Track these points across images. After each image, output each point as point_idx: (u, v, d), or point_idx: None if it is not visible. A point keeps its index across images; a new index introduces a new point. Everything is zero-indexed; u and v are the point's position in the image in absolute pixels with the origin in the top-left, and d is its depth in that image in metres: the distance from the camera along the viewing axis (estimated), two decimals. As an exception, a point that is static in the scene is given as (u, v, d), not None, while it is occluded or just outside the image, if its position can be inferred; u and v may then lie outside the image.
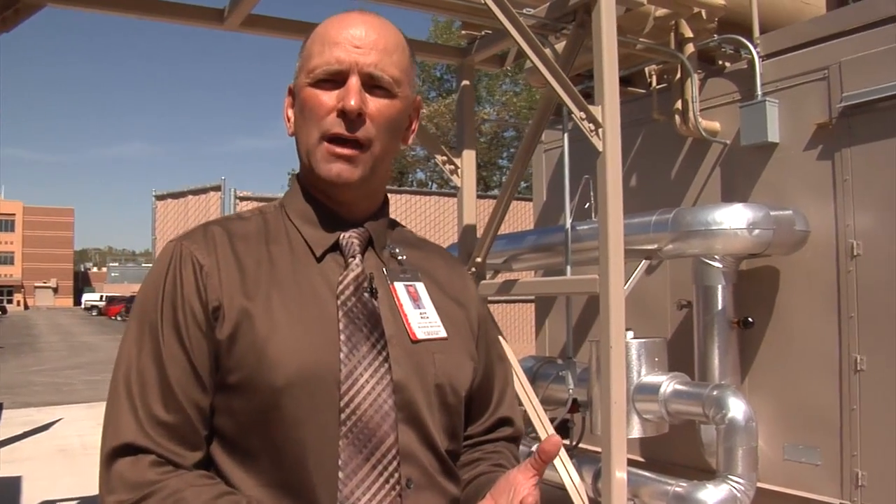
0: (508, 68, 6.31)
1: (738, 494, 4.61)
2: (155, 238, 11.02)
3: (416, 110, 1.52)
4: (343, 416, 1.29)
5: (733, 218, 4.80)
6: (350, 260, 1.41)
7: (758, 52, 5.34)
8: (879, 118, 4.71)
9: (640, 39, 5.52)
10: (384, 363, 1.34)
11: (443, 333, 1.45)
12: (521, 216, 11.51)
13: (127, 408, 1.30)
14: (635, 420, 4.99)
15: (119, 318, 56.11)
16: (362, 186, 1.42)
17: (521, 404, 4.84)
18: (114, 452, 1.28)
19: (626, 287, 4.44)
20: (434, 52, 6.80)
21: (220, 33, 5.44)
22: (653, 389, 4.96)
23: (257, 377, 1.29)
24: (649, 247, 5.06)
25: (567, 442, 5.54)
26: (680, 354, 5.41)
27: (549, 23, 4.92)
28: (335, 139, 1.37)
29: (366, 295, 1.39)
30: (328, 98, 1.38)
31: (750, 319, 5.14)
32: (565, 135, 5.61)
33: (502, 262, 6.26)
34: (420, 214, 11.43)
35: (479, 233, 5.64)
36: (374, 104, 1.38)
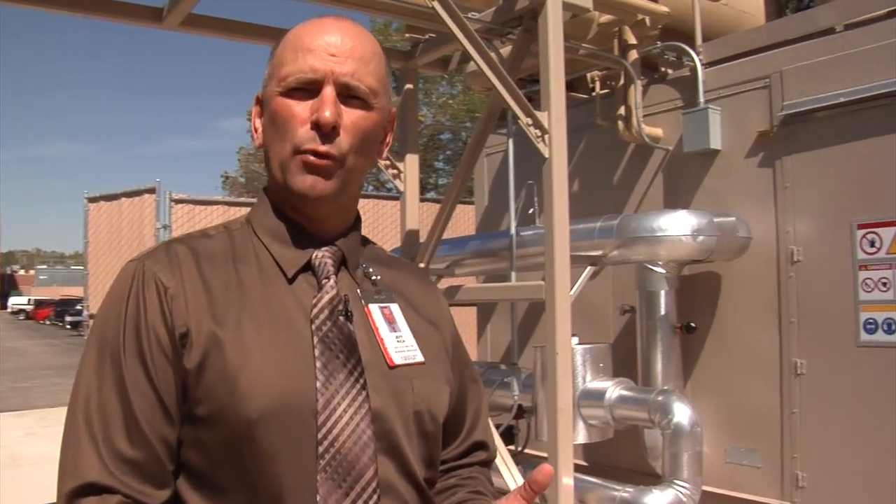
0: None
1: (684, 499, 4.64)
2: (87, 241, 10.72)
3: (391, 122, 1.44)
4: (321, 448, 1.22)
5: (678, 224, 4.84)
6: (324, 281, 1.34)
7: (700, 60, 5.40)
8: (819, 127, 4.79)
9: (584, 45, 5.54)
10: (362, 391, 1.27)
11: (420, 358, 1.38)
12: (462, 220, 11.49)
13: (88, 444, 1.20)
14: (581, 426, 5.00)
15: (48, 322, 54.73)
16: (335, 201, 1.35)
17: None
18: (75, 493, 1.19)
19: (571, 293, 4.44)
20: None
21: (155, 31, 5.28)
22: (598, 395, 4.97)
23: (229, 409, 1.20)
24: (594, 253, 5.08)
25: (512, 448, 5.53)
26: (623, 359, 5.44)
27: (495, 27, 4.89)
28: (308, 153, 1.29)
29: (341, 318, 1.31)
30: (301, 109, 1.30)
31: (692, 324, 5.19)
32: (510, 140, 5.61)
33: (445, 267, 6.24)
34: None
35: (421, 237, 5.60)
36: (350, 116, 1.31)
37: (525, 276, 5.58)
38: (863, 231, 4.59)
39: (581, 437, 5.02)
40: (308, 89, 1.31)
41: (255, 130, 1.41)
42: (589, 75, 6.30)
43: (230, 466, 1.21)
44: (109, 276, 10.52)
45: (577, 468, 4.92)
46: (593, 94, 6.26)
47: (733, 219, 5.01)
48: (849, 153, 4.67)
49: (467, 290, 5.34)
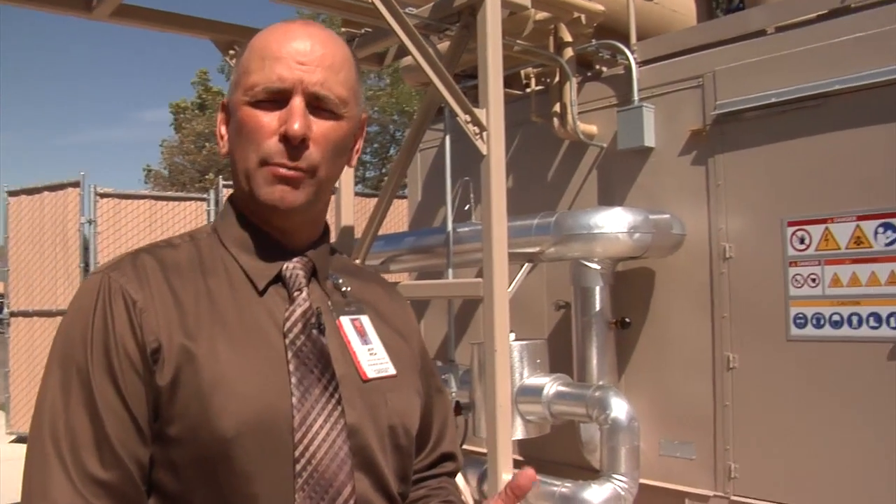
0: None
1: (622, 493, 4.71)
2: (7, 237, 10.43)
3: (362, 128, 1.42)
4: (298, 466, 1.20)
5: (614, 222, 4.89)
6: (296, 294, 1.31)
7: (635, 59, 5.46)
8: (750, 126, 4.89)
9: (520, 42, 5.55)
10: (337, 406, 1.25)
11: (392, 370, 1.37)
12: (392, 215, 11.46)
13: (57, 467, 1.15)
14: (518, 422, 5.03)
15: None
16: (306, 212, 1.32)
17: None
18: None
19: (509, 290, 4.46)
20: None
21: (70, 18, 5.01)
22: (536, 391, 5.00)
23: (203, 428, 1.17)
24: (531, 250, 5.11)
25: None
26: (558, 354, 5.48)
27: (433, 23, 4.88)
28: (276, 167, 1.26)
29: (314, 332, 1.29)
30: (269, 119, 1.26)
31: (627, 320, 5.25)
32: (447, 136, 5.60)
33: (380, 264, 6.21)
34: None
35: (357, 233, 5.58)
36: (319, 127, 1.28)
37: (460, 273, 5.59)
38: (793, 228, 4.70)
39: (519, 433, 5.06)
40: (276, 99, 1.27)
41: (221, 138, 1.37)
42: (524, 72, 6.33)
43: (204, 486, 1.18)
44: (31, 272, 10.26)
45: (516, 463, 4.95)
46: (527, 90, 6.29)
47: (668, 216, 5.08)
48: (779, 152, 4.77)
49: (405, 286, 5.33)
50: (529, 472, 1.22)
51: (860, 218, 4.46)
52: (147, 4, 4.86)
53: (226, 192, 10.56)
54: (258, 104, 1.27)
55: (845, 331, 4.50)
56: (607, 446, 4.80)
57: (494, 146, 4.38)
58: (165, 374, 1.19)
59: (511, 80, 6.53)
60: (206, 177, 22.31)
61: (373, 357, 1.35)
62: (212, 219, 10.25)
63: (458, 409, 5.41)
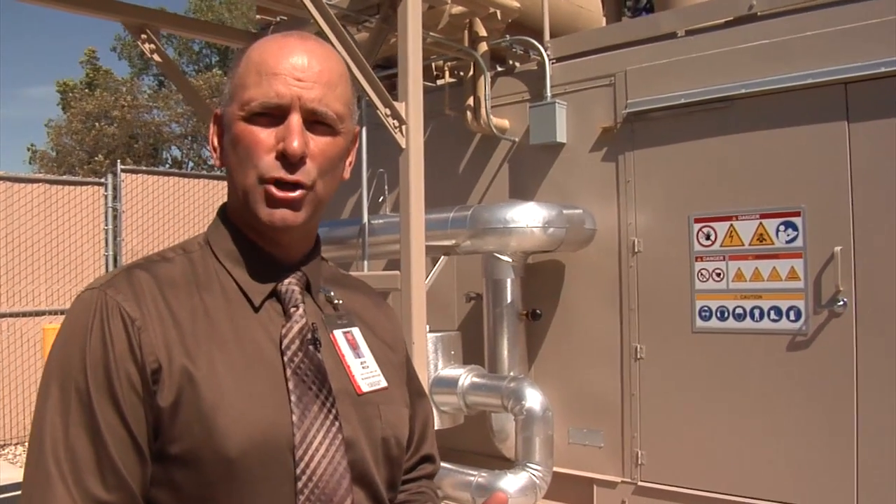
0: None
1: (537, 481, 4.82)
2: None
3: (355, 141, 1.40)
4: (300, 483, 1.20)
5: (529, 216, 4.99)
6: (292, 310, 1.30)
7: (548, 55, 5.56)
8: (658, 125, 5.06)
9: (435, 35, 5.58)
10: (335, 421, 1.25)
11: (384, 383, 1.38)
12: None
13: (60, 488, 1.12)
14: (434, 412, 5.08)
15: None
16: (303, 227, 1.31)
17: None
18: None
19: (427, 282, 4.51)
20: (225, 35, 6.54)
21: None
22: (451, 382, 5.07)
23: (205, 448, 1.16)
24: (447, 242, 5.16)
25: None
26: (469, 345, 5.56)
27: (352, 14, 4.88)
28: (274, 182, 1.24)
29: (311, 348, 1.28)
30: (266, 136, 1.24)
31: (538, 311, 5.36)
32: (363, 128, 5.59)
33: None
34: (187, 199, 10.87)
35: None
36: (317, 143, 1.27)
37: (372, 265, 5.60)
38: (699, 225, 4.88)
39: (435, 423, 5.11)
40: (272, 115, 1.25)
41: (215, 150, 1.35)
42: (435, 64, 6.36)
43: None
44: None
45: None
46: (437, 82, 6.32)
47: (581, 211, 5.21)
48: (687, 151, 4.95)
49: (319, 278, 5.30)
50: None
51: (763, 216, 4.66)
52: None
53: (124, 177, 10.20)
54: (254, 119, 1.25)
55: (748, 323, 4.71)
56: (522, 436, 4.90)
57: (414, 139, 4.41)
58: (166, 395, 1.17)
59: (424, 73, 6.56)
60: (95, 158, 21.54)
61: (365, 370, 1.36)
62: (109, 204, 9.96)
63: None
